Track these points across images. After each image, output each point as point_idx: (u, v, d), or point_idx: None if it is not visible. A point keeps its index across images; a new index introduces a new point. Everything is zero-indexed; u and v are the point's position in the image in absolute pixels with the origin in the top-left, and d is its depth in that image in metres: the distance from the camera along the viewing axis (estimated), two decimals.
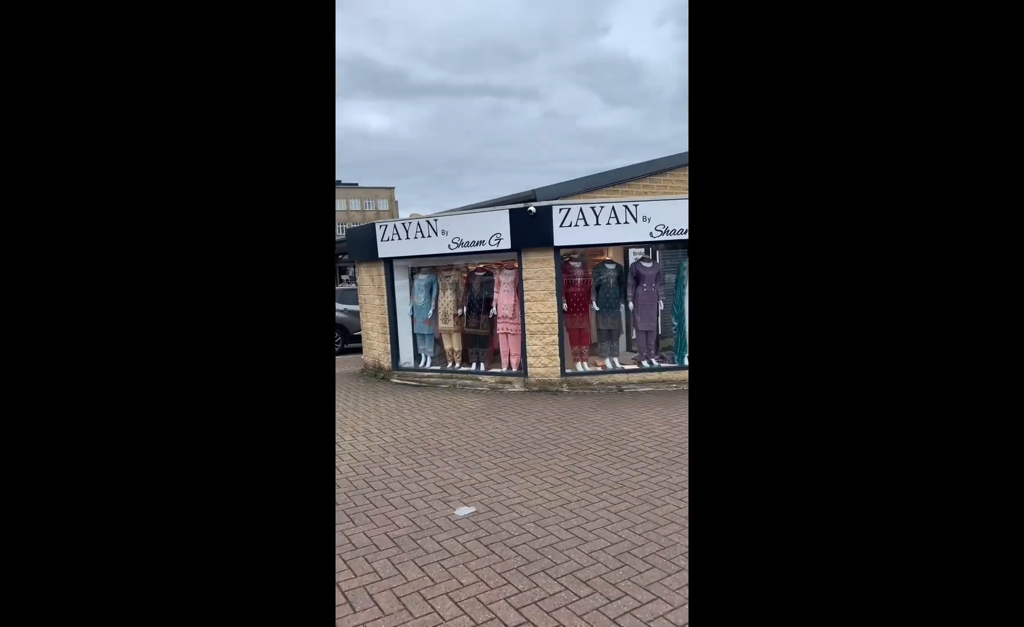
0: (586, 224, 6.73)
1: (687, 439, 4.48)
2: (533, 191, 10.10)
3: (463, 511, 3.43)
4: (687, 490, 3.64)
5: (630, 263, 7.35)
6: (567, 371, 7.02)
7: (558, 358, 6.91)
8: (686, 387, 6.79)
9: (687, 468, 3.99)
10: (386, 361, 8.33)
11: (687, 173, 10.43)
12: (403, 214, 63.06)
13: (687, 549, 2.92)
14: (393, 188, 69.24)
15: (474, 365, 7.62)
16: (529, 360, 7.03)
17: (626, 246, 7.72)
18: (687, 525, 3.16)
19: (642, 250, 8.19)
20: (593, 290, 7.10)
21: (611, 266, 7.17)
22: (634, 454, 4.38)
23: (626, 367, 7.15)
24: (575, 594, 2.50)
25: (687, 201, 6.81)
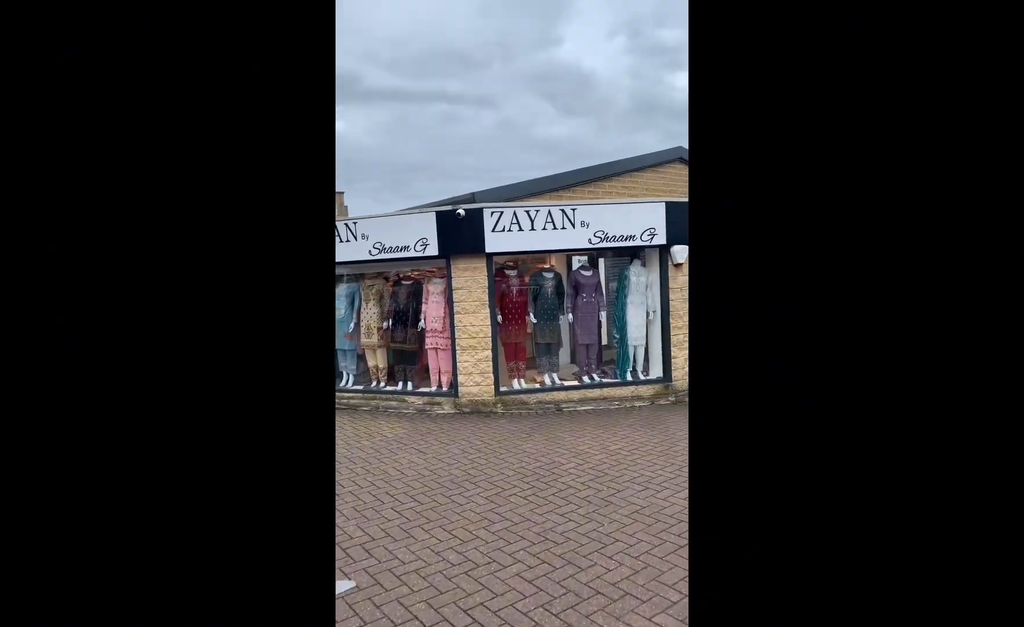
0: (521, 229, 6.14)
1: (624, 471, 4.26)
2: (472, 194, 9.47)
3: (338, 588, 2.73)
4: (619, 543, 3.08)
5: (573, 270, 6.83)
6: (502, 389, 6.40)
7: (492, 376, 6.28)
8: (628, 405, 6.31)
9: (621, 511, 3.44)
10: None
11: (636, 178, 9.90)
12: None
13: None
14: (343, 192, 67.21)
15: (401, 384, 6.89)
16: (460, 378, 6.37)
17: (564, 253, 7.20)
18: (615, 597, 2.58)
19: (585, 258, 7.69)
20: (530, 300, 6.53)
21: (549, 275, 6.62)
22: (564, 493, 3.80)
23: (566, 384, 6.60)
24: None
25: (630, 206, 6.53)
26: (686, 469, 4.15)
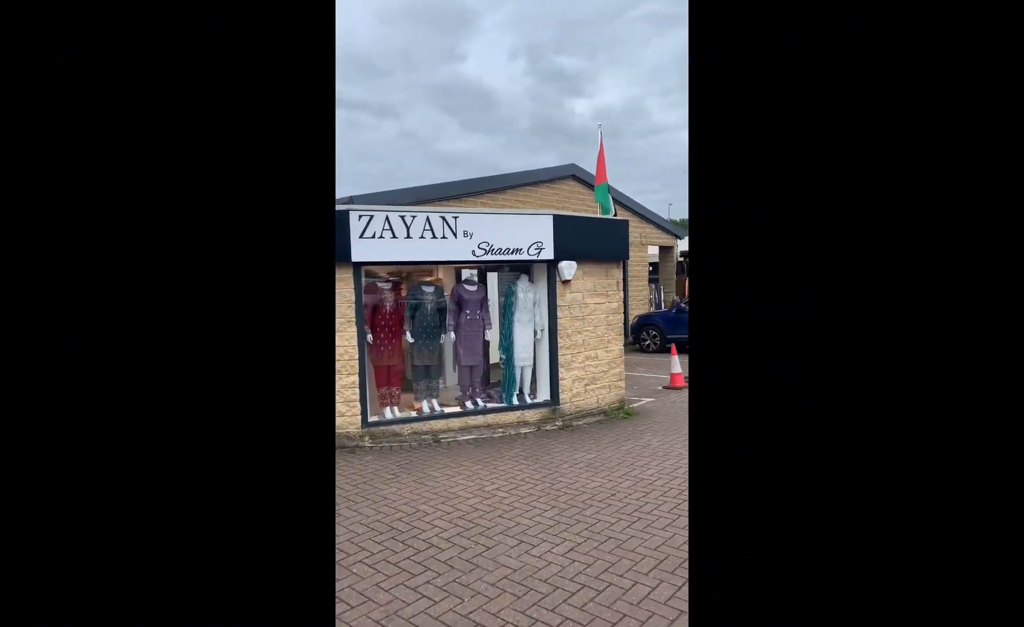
0: (395, 236, 5.44)
1: (498, 520, 3.47)
2: (350, 196, 8.57)
3: None
4: None
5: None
6: (371, 420, 5.60)
7: (359, 405, 5.47)
8: (513, 432, 5.79)
9: (488, 578, 2.83)
10: None
11: (529, 193, 9.55)
12: None
13: None
14: None
15: None
16: None
17: (444, 265, 6.59)
18: None
19: (474, 271, 7.13)
20: (407, 317, 5.82)
21: (429, 289, 5.96)
22: (422, 556, 3.13)
23: (446, 411, 5.96)
24: None
25: (516, 218, 6.07)
26: (567, 512, 3.67)
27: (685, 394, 7.52)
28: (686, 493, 3.94)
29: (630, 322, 13.21)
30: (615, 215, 7.90)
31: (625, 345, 12.49)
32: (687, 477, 4.25)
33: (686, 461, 4.65)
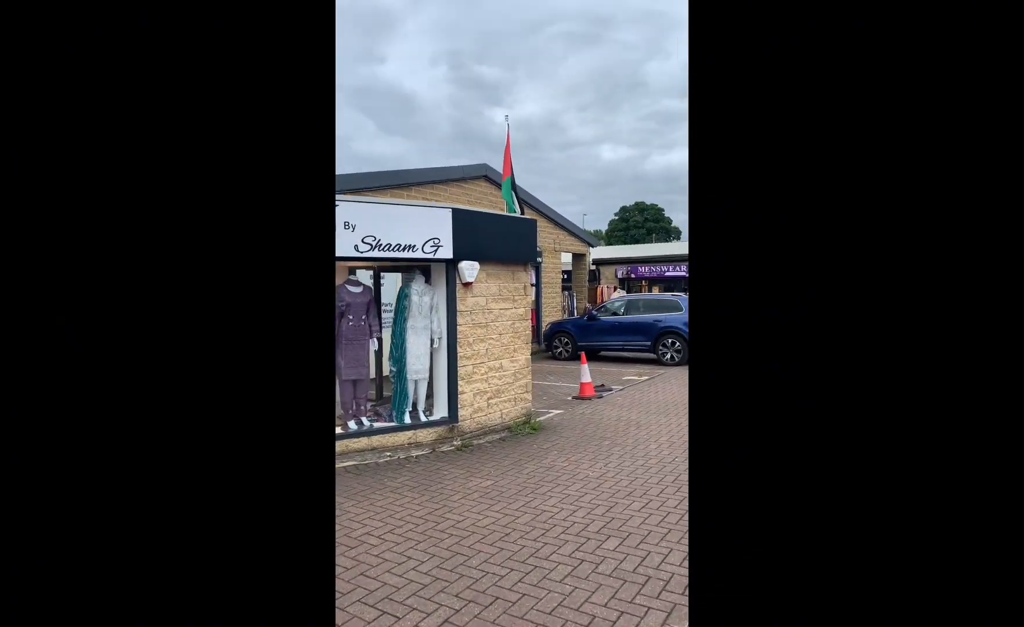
0: None
1: (362, 576, 2.60)
2: None
3: None
4: None
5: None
6: None
7: None
8: (403, 456, 5.04)
9: None
10: None
11: (438, 191, 8.81)
12: None
13: None
14: None
15: None
16: None
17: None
18: None
19: (370, 273, 6.29)
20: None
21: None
22: None
23: None
24: None
25: (408, 209, 5.30)
26: (449, 563, 3.01)
27: (594, 405, 7.13)
28: (587, 530, 3.42)
29: (543, 329, 12.86)
30: (522, 214, 7.38)
31: (538, 353, 12.22)
32: (591, 508, 3.95)
33: (592, 486, 4.17)
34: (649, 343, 10.95)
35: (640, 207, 55.05)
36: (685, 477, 4.31)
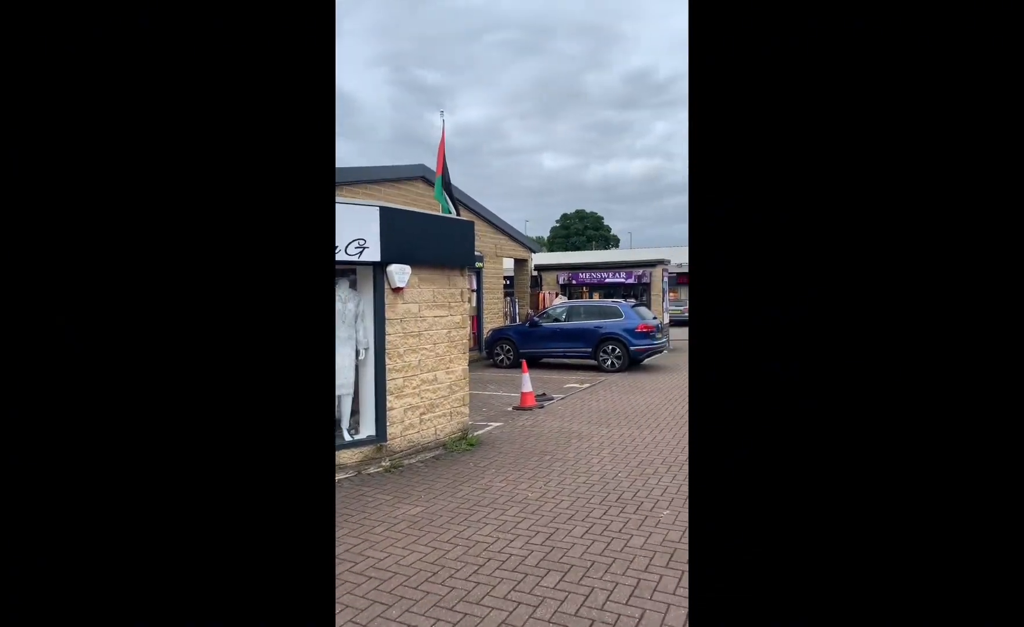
0: None
1: None
2: None
3: None
4: None
5: None
6: None
7: None
8: None
9: None
10: None
11: (372, 191, 8.27)
12: None
13: None
14: None
15: None
16: None
17: None
18: None
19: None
20: None
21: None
22: None
23: None
24: None
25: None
26: (363, 616, 2.57)
27: (535, 417, 6.84)
28: (525, 563, 3.08)
29: (484, 336, 12.51)
30: (458, 215, 7.00)
31: (478, 360, 11.87)
32: (529, 536, 3.45)
33: (531, 510, 3.84)
34: (590, 350, 10.82)
35: (580, 215, 55.98)
36: (629, 495, 4.07)
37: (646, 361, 11.58)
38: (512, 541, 3.37)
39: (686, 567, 3.03)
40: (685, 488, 4.19)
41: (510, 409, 7.33)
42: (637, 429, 6.10)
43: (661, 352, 11.64)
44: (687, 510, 3.88)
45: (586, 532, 3.46)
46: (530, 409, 7.26)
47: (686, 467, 4.70)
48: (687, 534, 3.33)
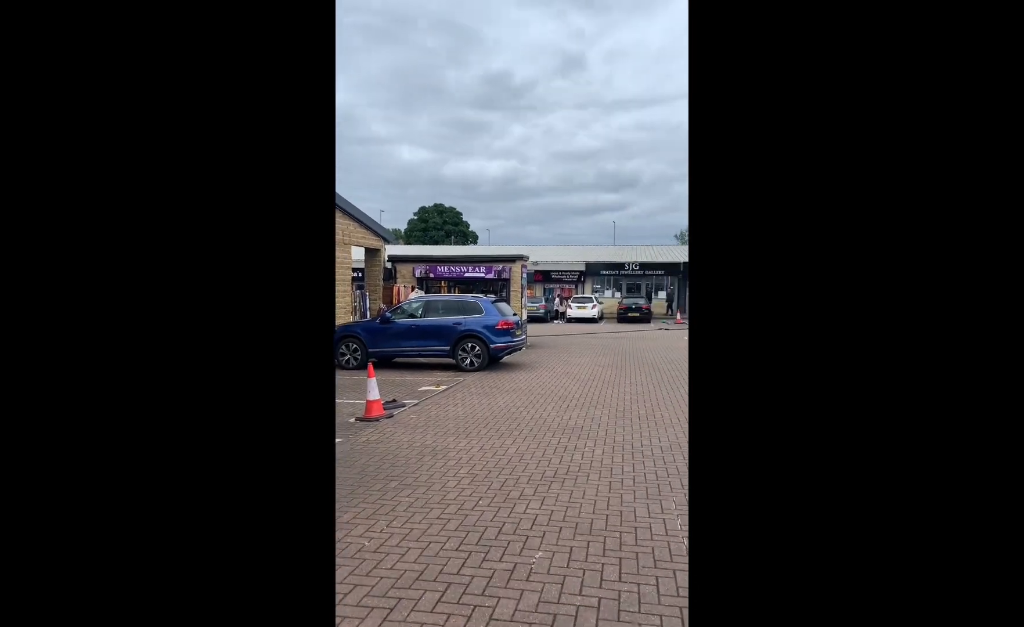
0: None
1: None
2: None
3: None
4: None
5: None
6: None
7: None
8: None
9: None
10: None
11: None
12: None
13: None
14: None
15: None
16: None
17: None
18: None
19: None
20: None
21: None
22: None
23: None
24: None
25: None
26: None
27: (382, 429, 5.80)
28: None
29: None
30: None
31: None
32: (359, 617, 2.21)
33: (368, 568, 2.86)
34: (448, 348, 10.00)
35: (439, 209, 55.05)
36: (492, 531, 3.29)
37: (505, 358, 11.08)
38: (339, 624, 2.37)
39: None
40: (557, 517, 3.53)
41: (352, 420, 6.19)
42: (499, 438, 5.40)
43: (521, 349, 11.24)
44: (563, 549, 3.30)
45: (437, 603, 2.58)
46: (376, 420, 6.19)
47: (555, 486, 4.08)
48: (565, 586, 2.62)
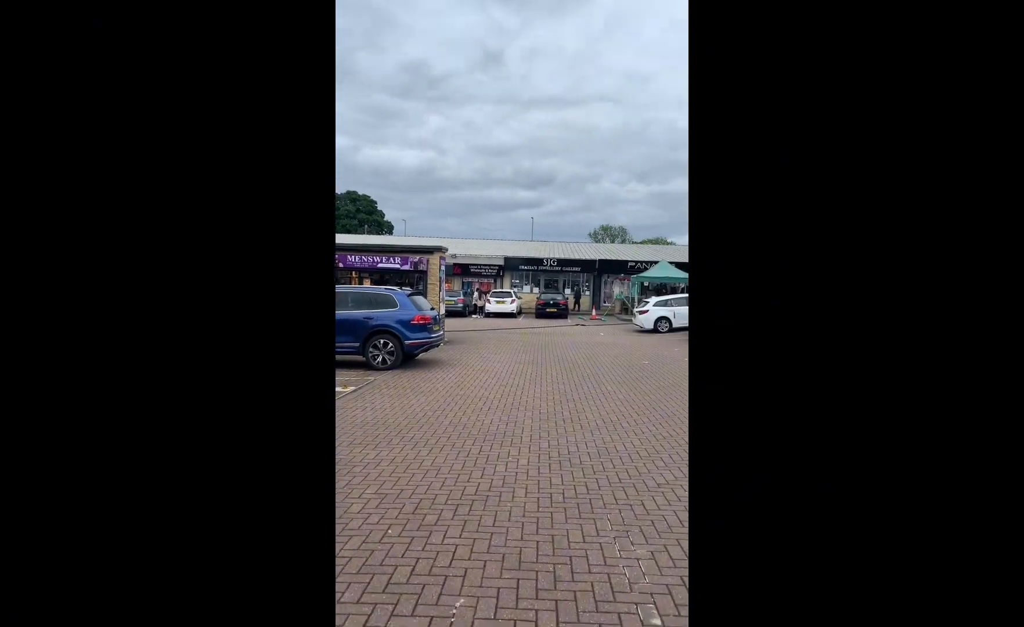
0: None
1: None
2: None
3: None
4: None
5: None
6: None
7: None
8: None
9: None
10: None
11: None
12: None
13: None
14: None
15: None
16: None
17: None
18: None
19: None
20: None
21: None
22: None
23: None
24: None
25: None
26: None
27: None
28: None
29: None
30: None
31: None
32: None
33: None
34: (358, 344, 9.19)
35: (352, 196, 52.61)
36: (404, 573, 2.73)
37: (421, 356, 10.42)
38: None
39: None
40: (480, 548, 3.03)
41: None
42: (413, 448, 4.82)
43: (438, 345, 10.63)
44: (489, 593, 2.54)
45: None
46: None
47: (477, 506, 3.58)
48: None
